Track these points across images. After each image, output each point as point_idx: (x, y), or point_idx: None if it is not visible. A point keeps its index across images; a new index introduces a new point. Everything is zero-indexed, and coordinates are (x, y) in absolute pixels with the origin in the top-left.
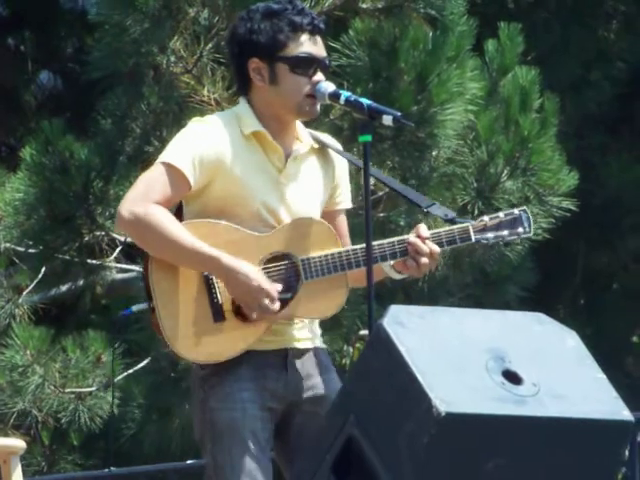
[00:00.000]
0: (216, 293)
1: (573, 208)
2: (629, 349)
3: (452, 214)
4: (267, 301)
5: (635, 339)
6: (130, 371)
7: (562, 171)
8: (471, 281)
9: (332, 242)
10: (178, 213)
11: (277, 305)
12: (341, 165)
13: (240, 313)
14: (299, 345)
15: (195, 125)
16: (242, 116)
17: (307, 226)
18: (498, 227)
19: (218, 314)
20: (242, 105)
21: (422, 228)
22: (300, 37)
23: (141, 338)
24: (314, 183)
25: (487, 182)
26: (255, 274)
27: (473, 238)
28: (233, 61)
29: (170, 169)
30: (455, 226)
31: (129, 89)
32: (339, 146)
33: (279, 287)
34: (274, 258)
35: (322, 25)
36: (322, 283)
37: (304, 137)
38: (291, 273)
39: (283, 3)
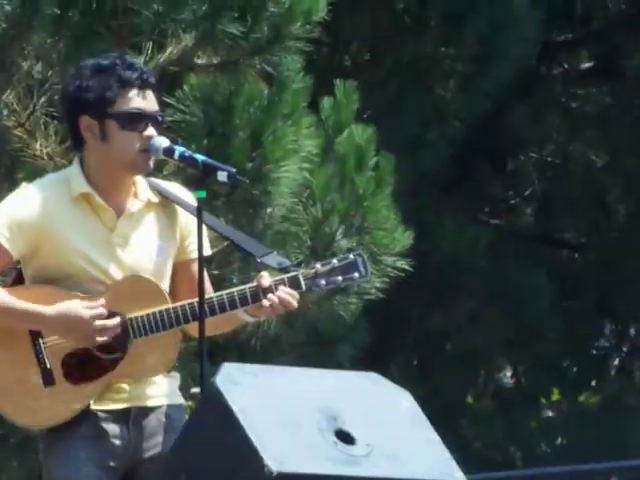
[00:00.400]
0: (44, 358)
1: (408, 268)
2: (462, 410)
3: (286, 263)
4: (98, 322)
5: (469, 400)
6: None
7: (397, 230)
8: (304, 340)
9: (161, 299)
10: (19, 278)
11: (112, 322)
12: (185, 214)
13: (70, 375)
14: (144, 404)
15: (19, 191)
16: (71, 178)
17: (135, 283)
18: (331, 273)
19: (48, 378)
20: (74, 166)
21: (266, 277)
22: (129, 92)
23: None
24: (151, 239)
25: (322, 241)
26: (73, 309)
27: (303, 286)
28: (65, 119)
29: None
30: (285, 275)
31: None
32: (188, 195)
33: (103, 303)
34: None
35: (152, 79)
36: (152, 341)
37: (141, 192)
38: (119, 333)
39: (112, 58)
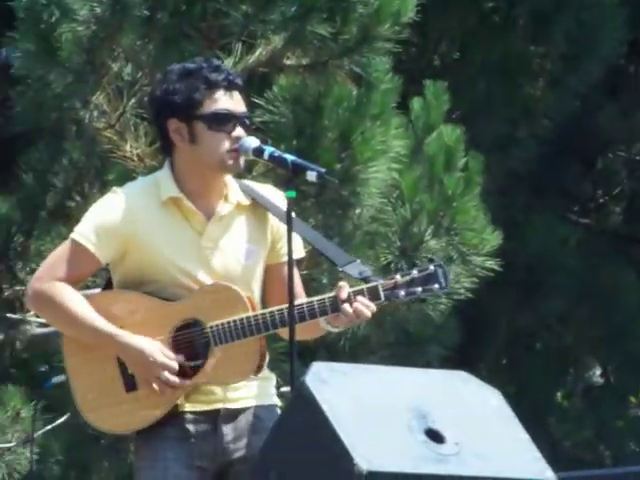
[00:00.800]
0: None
1: (497, 268)
2: (552, 409)
3: (367, 272)
4: (165, 374)
5: (559, 398)
6: (49, 427)
7: (486, 230)
8: (393, 340)
9: (242, 307)
10: (109, 281)
11: (175, 379)
12: (275, 219)
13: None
14: (232, 405)
15: (108, 196)
16: (161, 181)
17: (216, 292)
18: (410, 284)
19: (130, 384)
20: (164, 169)
21: (344, 289)
22: (215, 94)
23: (61, 394)
24: (241, 242)
25: (410, 241)
26: (150, 349)
27: (382, 297)
28: (155, 123)
29: (75, 245)
30: (365, 285)
31: (51, 144)
32: (279, 196)
33: (180, 358)
34: (185, 325)
35: (238, 80)
36: (232, 349)
37: (232, 195)
38: (201, 339)
39: (198, 62)
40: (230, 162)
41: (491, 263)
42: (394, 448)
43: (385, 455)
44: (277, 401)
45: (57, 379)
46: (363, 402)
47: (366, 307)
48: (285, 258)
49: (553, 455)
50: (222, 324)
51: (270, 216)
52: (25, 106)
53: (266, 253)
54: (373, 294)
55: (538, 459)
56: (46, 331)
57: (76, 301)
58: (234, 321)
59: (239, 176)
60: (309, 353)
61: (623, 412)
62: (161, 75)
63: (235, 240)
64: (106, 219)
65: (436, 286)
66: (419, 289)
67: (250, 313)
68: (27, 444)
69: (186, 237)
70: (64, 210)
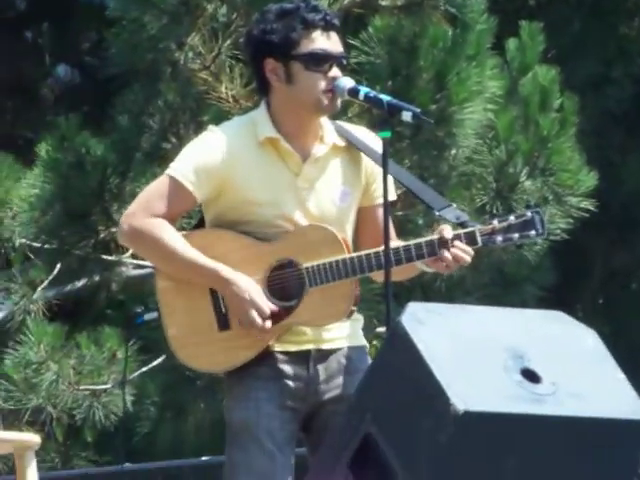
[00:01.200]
0: (219, 302)
1: (592, 209)
2: None
3: (464, 217)
4: (255, 315)
5: None
6: (145, 369)
7: (581, 171)
8: (489, 281)
9: (337, 248)
10: (201, 221)
11: (267, 323)
12: (368, 160)
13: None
14: (324, 346)
15: (206, 135)
16: (258, 121)
17: (313, 233)
18: (507, 230)
19: (223, 323)
20: (260, 109)
21: (447, 230)
22: (312, 34)
23: (156, 335)
24: (336, 184)
25: (506, 182)
26: (249, 287)
27: (479, 242)
28: (251, 64)
29: (173, 182)
30: (462, 230)
31: (146, 85)
32: (373, 138)
33: (273, 307)
34: (280, 266)
35: (335, 21)
36: (327, 290)
37: (327, 136)
38: (296, 280)
39: (296, 2)
40: (326, 102)
41: (586, 204)
42: (490, 388)
43: (481, 395)
44: (365, 342)
45: (149, 316)
46: (459, 342)
47: (464, 252)
48: (379, 200)
49: None
50: (318, 265)
51: (364, 158)
52: (120, 48)
53: (360, 195)
54: (470, 239)
55: (635, 399)
56: (142, 272)
57: (175, 236)
58: (330, 263)
59: (334, 117)
60: (405, 294)
61: None
62: (258, 15)
63: (331, 182)
64: (205, 158)
65: (533, 232)
66: (516, 235)
67: (346, 255)
68: (122, 385)
69: (283, 178)
70: (159, 152)
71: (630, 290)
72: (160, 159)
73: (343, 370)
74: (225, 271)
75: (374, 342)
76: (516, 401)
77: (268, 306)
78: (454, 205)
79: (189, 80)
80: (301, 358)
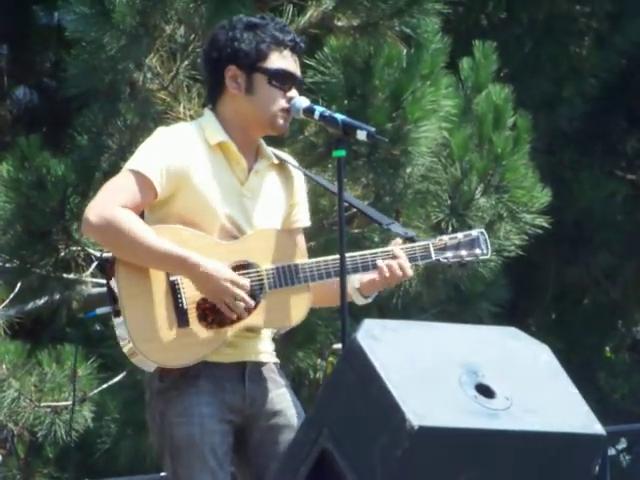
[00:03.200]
0: (182, 298)
1: (546, 225)
2: (600, 364)
3: (411, 233)
4: (241, 292)
5: (607, 353)
6: (105, 385)
7: (535, 188)
8: (444, 297)
9: (296, 253)
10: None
11: (249, 299)
12: (300, 183)
13: (204, 318)
14: (257, 358)
15: (164, 133)
16: (207, 127)
17: (272, 237)
18: (457, 247)
19: (182, 319)
20: (207, 116)
21: (397, 249)
22: (282, 52)
23: (116, 352)
24: (275, 198)
25: (461, 199)
26: (225, 269)
27: (433, 256)
28: (209, 67)
29: (138, 176)
30: (416, 244)
31: (105, 105)
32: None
33: (247, 282)
34: (238, 267)
35: (303, 45)
36: (284, 294)
37: (265, 152)
38: (255, 282)
39: (265, 18)
40: (281, 121)
41: (540, 220)
42: (445, 403)
43: (436, 410)
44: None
45: (101, 310)
46: (414, 358)
47: (400, 269)
48: (296, 225)
49: (602, 409)
50: (277, 268)
51: (295, 180)
52: (79, 68)
53: (285, 215)
54: (425, 253)
55: (587, 413)
56: (102, 291)
57: (144, 226)
58: (289, 266)
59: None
60: (361, 310)
61: None
62: (225, 22)
63: (270, 195)
64: (166, 155)
65: (478, 251)
66: (464, 252)
67: (305, 260)
68: (84, 402)
69: (231, 183)
70: (119, 171)
71: (583, 306)
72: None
73: (273, 385)
74: (196, 257)
75: (330, 358)
76: (471, 416)
77: (246, 282)
78: (397, 222)
79: (148, 100)
80: (238, 370)
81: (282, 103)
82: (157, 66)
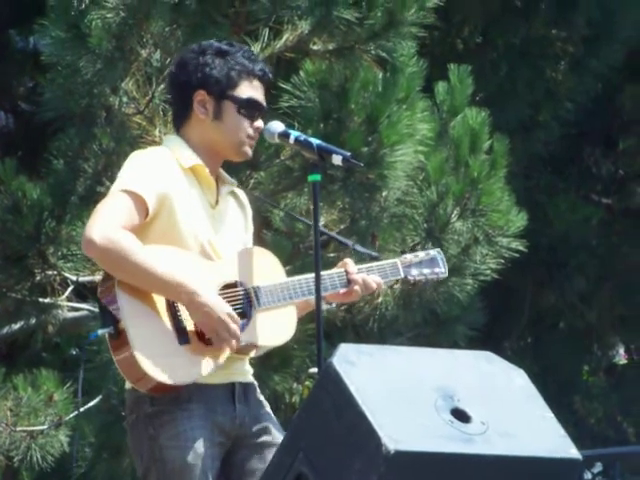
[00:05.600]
0: (181, 316)
1: (522, 249)
2: (576, 387)
3: (376, 253)
4: (235, 327)
5: (583, 377)
6: (81, 410)
7: (511, 212)
8: (420, 321)
9: (281, 272)
10: None
11: (238, 331)
12: (250, 209)
13: (203, 335)
14: (243, 379)
15: (146, 155)
16: (177, 150)
17: (256, 256)
18: (420, 265)
19: (183, 337)
20: (174, 140)
21: (350, 264)
22: (252, 81)
23: (92, 377)
24: (238, 222)
25: (437, 223)
26: (220, 301)
27: (402, 272)
28: (176, 90)
29: (133, 197)
30: (384, 262)
31: (81, 130)
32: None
33: (239, 319)
34: (227, 285)
35: (270, 75)
36: (274, 312)
37: (225, 177)
38: (245, 300)
39: (234, 45)
40: (246, 149)
41: (517, 244)
42: (421, 428)
43: (412, 435)
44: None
45: (103, 331)
46: (390, 383)
47: (373, 281)
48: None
49: (578, 433)
50: (266, 286)
51: (247, 206)
52: (55, 93)
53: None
54: (393, 270)
55: (563, 437)
56: (77, 315)
57: (144, 250)
58: (276, 285)
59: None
60: (337, 334)
61: None
62: (195, 46)
63: (235, 219)
64: (154, 176)
65: (437, 270)
66: (427, 270)
67: (290, 278)
68: (60, 427)
69: (205, 205)
70: (94, 195)
71: (558, 329)
72: (95, 203)
73: (258, 404)
74: (192, 285)
75: (307, 382)
76: (447, 440)
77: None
78: (358, 244)
79: (123, 124)
80: (227, 391)
81: (249, 131)
82: (133, 90)
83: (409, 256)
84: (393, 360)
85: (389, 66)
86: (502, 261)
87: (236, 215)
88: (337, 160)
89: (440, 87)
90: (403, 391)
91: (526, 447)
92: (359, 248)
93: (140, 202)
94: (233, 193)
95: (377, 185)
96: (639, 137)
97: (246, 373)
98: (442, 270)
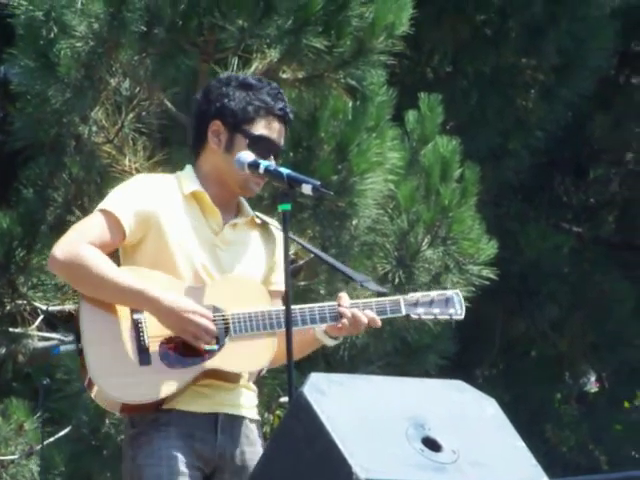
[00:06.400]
0: (144, 337)
1: (493, 277)
2: (548, 415)
3: (385, 290)
4: (204, 320)
5: (555, 405)
6: (51, 439)
7: (482, 240)
8: (391, 350)
9: (264, 301)
10: None
11: (213, 326)
12: (281, 247)
13: (166, 358)
14: (229, 411)
15: (139, 178)
16: (183, 178)
17: (239, 283)
18: (430, 304)
19: (144, 358)
20: (186, 170)
21: (345, 298)
22: (269, 119)
23: (63, 406)
24: (253, 254)
25: (407, 251)
26: (185, 300)
27: (403, 311)
28: (197, 117)
29: (107, 215)
30: (387, 298)
31: (51, 159)
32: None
33: (209, 312)
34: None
35: (291, 116)
36: (249, 339)
37: (245, 210)
38: (220, 326)
39: (262, 82)
40: (252, 186)
41: (487, 272)
42: (392, 457)
43: (383, 464)
44: (259, 417)
45: (65, 348)
46: (360, 412)
47: (365, 316)
48: (274, 287)
49: (550, 461)
50: (243, 313)
51: (277, 243)
52: (25, 122)
53: (266, 273)
54: (394, 307)
55: (534, 466)
56: (48, 345)
57: (109, 262)
58: (255, 313)
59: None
60: (307, 363)
61: (618, 417)
62: (224, 76)
63: (248, 250)
64: (137, 198)
65: (452, 311)
66: (437, 310)
67: (271, 308)
68: (31, 456)
69: (203, 233)
70: (64, 224)
71: (530, 357)
72: (65, 232)
73: (245, 440)
74: (154, 290)
75: (277, 412)
76: (417, 469)
77: (207, 310)
78: (370, 279)
79: (93, 153)
80: (210, 421)
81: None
82: (102, 119)
83: (417, 295)
84: (364, 389)
85: (359, 94)
86: (473, 289)
87: (254, 246)
88: (307, 189)
89: (410, 116)
90: (374, 420)
91: (497, 476)
92: (368, 285)
93: (113, 220)
94: (259, 226)
95: (347, 213)
96: (609, 165)
97: (237, 406)
98: (457, 311)
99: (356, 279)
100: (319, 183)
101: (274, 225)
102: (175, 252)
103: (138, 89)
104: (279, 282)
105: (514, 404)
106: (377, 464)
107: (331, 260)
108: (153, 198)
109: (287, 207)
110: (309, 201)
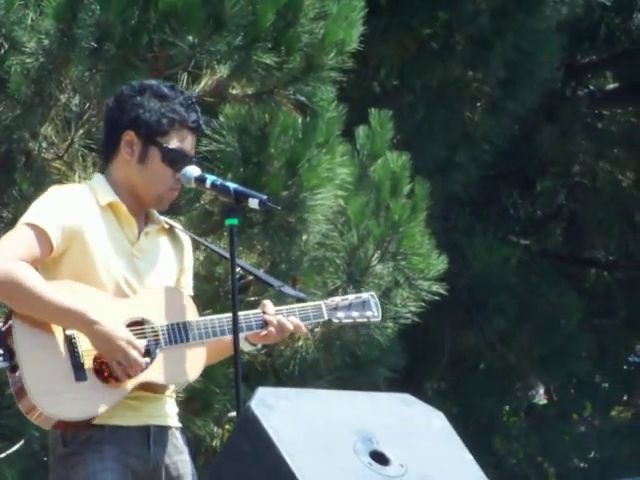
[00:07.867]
0: (78, 352)
1: (443, 292)
2: (497, 428)
3: (303, 295)
4: (136, 353)
5: (503, 417)
6: (2, 455)
7: (432, 255)
8: (341, 364)
9: (191, 311)
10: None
11: (144, 360)
12: (189, 250)
13: (101, 372)
14: (159, 422)
15: (59, 191)
16: (97, 188)
17: (165, 294)
18: (349, 308)
19: (79, 373)
20: (97, 179)
21: (269, 305)
22: (183, 132)
23: (14, 422)
24: (166, 261)
25: (357, 266)
26: (122, 329)
27: (325, 315)
28: (108, 125)
29: (36, 230)
30: (308, 303)
31: (1, 175)
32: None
33: (143, 343)
34: (133, 323)
35: (203, 126)
36: (180, 350)
37: (154, 216)
38: (150, 338)
39: (175, 89)
40: (165, 201)
41: (437, 287)
42: (340, 471)
43: (331, 478)
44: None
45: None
46: (308, 426)
47: (290, 322)
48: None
49: (499, 473)
50: (172, 325)
51: (185, 247)
52: None
53: (176, 279)
54: (317, 312)
55: (481, 478)
56: None
57: (42, 281)
58: (184, 323)
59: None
60: (257, 377)
61: (567, 429)
62: (135, 83)
63: (160, 257)
64: (61, 211)
65: (369, 313)
66: (356, 314)
67: (200, 318)
68: None
69: (122, 243)
70: None
71: (478, 370)
72: None
73: (174, 450)
74: (93, 314)
75: (227, 426)
76: None
77: (141, 343)
78: (287, 285)
79: (43, 170)
80: (142, 434)
81: (170, 183)
82: (52, 135)
83: (337, 299)
84: (312, 403)
85: (309, 110)
86: (422, 304)
87: (164, 253)
88: (254, 204)
89: (361, 131)
90: (322, 434)
91: None
92: (285, 289)
93: (42, 235)
94: (167, 231)
95: (297, 229)
96: (556, 178)
97: (164, 416)
98: (374, 314)
99: (273, 284)
100: (266, 197)
101: (179, 229)
102: (97, 264)
103: (88, 105)
104: (187, 287)
105: (463, 417)
106: (325, 478)
107: (246, 266)
108: (76, 211)
109: (234, 222)
110: (259, 216)
